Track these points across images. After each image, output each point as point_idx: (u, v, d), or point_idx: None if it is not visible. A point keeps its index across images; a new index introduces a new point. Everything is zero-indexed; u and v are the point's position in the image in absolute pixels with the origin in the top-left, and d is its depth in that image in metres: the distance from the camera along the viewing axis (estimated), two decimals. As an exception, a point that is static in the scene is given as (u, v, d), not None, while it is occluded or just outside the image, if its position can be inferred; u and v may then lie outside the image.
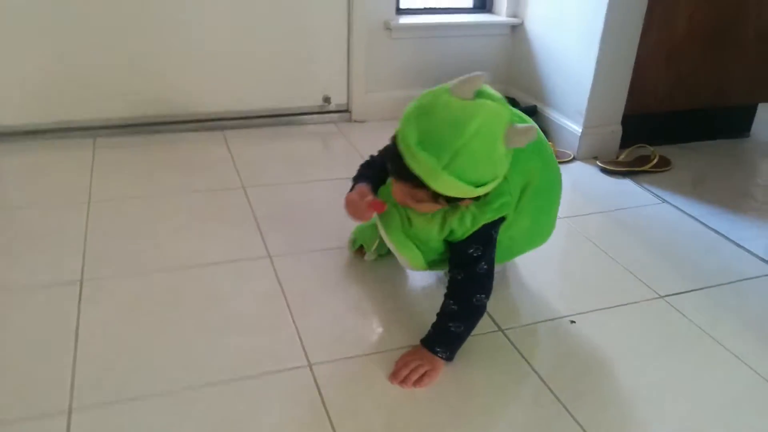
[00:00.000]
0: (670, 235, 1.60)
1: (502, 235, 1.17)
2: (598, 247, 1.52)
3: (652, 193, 1.81)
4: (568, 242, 1.55)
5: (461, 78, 0.99)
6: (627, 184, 1.86)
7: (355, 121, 2.22)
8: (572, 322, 1.24)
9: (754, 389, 1.10)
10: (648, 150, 2.03)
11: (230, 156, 1.90)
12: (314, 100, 2.18)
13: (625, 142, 2.06)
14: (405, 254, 1.20)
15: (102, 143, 1.92)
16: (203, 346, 1.13)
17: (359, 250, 1.41)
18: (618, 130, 2.04)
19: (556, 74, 2.09)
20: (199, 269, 1.34)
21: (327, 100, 2.18)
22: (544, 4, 2.14)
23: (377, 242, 1.36)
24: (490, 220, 1.12)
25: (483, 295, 1.12)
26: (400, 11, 2.19)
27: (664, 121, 2.14)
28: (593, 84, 1.93)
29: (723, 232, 1.60)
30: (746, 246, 1.54)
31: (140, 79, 1.96)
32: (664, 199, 1.77)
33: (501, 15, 2.28)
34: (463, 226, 1.11)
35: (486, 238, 1.13)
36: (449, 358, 1.11)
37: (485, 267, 1.13)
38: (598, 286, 1.37)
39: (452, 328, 1.11)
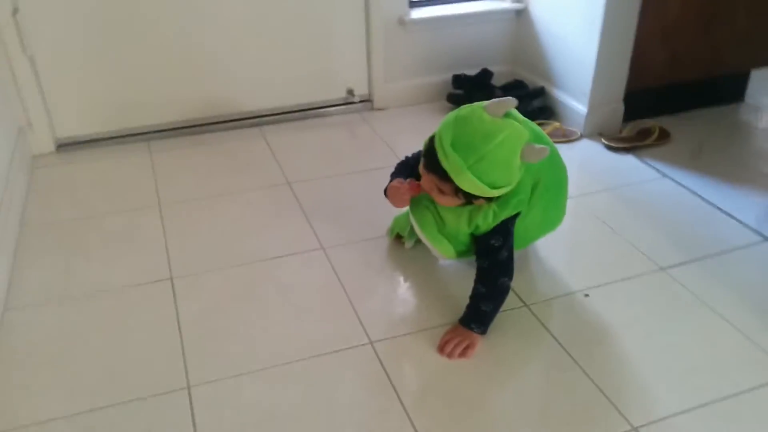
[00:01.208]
0: (670, 208, 1.81)
1: (518, 227, 1.40)
2: (605, 223, 1.73)
3: (653, 167, 2.01)
4: (578, 221, 1.76)
5: (495, 100, 1.23)
6: (630, 160, 2.06)
7: (377, 109, 2.41)
8: (586, 295, 1.47)
9: (741, 350, 1.32)
10: (649, 123, 2.22)
11: (271, 152, 2.11)
12: (339, 93, 2.37)
13: (628, 117, 2.25)
14: (438, 247, 1.43)
15: (156, 147, 2.13)
16: (283, 330, 1.37)
17: (397, 238, 1.64)
18: (620, 107, 2.23)
19: (561, 56, 2.27)
20: (267, 263, 1.58)
21: (350, 92, 2.37)
22: (548, -10, 2.29)
23: (409, 230, 1.58)
24: (508, 216, 1.35)
25: (506, 278, 1.36)
26: (413, 4, 2.35)
27: (663, 94, 2.32)
28: (596, 65, 2.11)
29: (717, 204, 1.81)
30: (738, 217, 1.75)
31: (185, 84, 2.16)
32: (664, 174, 1.98)
33: (506, 1, 2.44)
34: (486, 221, 1.34)
35: (505, 230, 1.36)
36: (483, 332, 1.34)
37: (506, 254, 1.36)
38: (607, 261, 1.59)
39: (483, 308, 1.34)
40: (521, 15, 2.44)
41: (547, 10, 2.31)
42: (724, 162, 2.05)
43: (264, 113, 2.30)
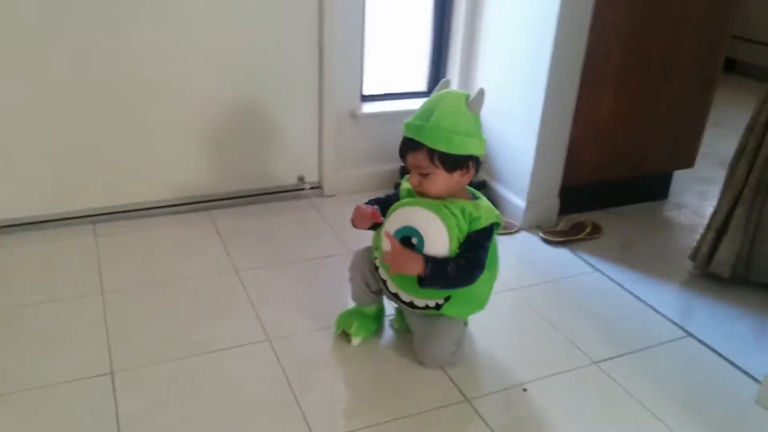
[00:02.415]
0: (601, 302, 1.92)
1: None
2: (542, 317, 1.82)
3: (587, 261, 2.13)
4: (517, 313, 1.85)
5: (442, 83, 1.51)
6: (565, 254, 2.18)
7: (327, 195, 2.48)
8: (524, 390, 1.53)
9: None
10: (582, 218, 2.36)
11: (219, 237, 2.13)
12: (290, 179, 2.43)
13: (563, 211, 2.39)
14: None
15: (102, 230, 2.12)
16: (227, 428, 1.36)
17: (343, 334, 1.66)
18: (556, 202, 2.37)
19: (503, 155, 2.41)
20: (211, 356, 1.57)
21: (301, 179, 2.44)
22: (489, 90, 2.42)
23: (355, 326, 1.63)
24: (487, 221, 1.46)
25: (479, 272, 1.45)
26: (364, 98, 2.48)
27: (595, 190, 2.48)
28: (534, 164, 2.26)
29: (644, 299, 1.93)
30: (663, 311, 1.87)
31: (132, 165, 2.18)
32: (596, 267, 2.10)
33: (453, 99, 2.59)
34: (478, 211, 1.45)
35: (489, 233, 1.47)
36: (425, 275, 1.41)
37: (484, 257, 1.46)
38: (543, 355, 1.67)
39: (449, 267, 1.42)
40: (464, 112, 2.59)
41: (490, 111, 2.43)
42: (649, 257, 2.19)
43: (213, 197, 2.33)
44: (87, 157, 2.11)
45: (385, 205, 1.57)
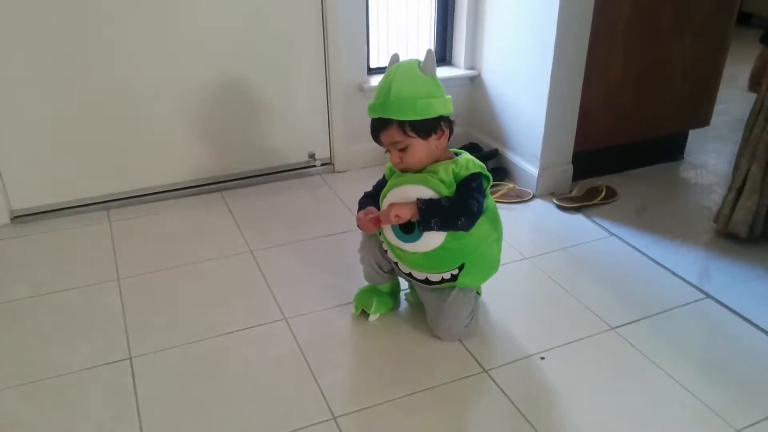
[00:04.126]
0: (618, 267, 1.90)
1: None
2: (558, 284, 1.80)
3: (601, 226, 2.11)
4: (533, 282, 1.84)
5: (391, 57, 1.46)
6: (579, 220, 2.16)
7: (338, 171, 2.47)
8: (542, 358, 1.52)
9: (688, 408, 1.39)
10: (596, 183, 2.33)
11: (233, 218, 2.14)
12: (301, 157, 2.42)
13: (577, 176, 2.36)
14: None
15: (116, 215, 2.14)
16: (244, 409, 1.37)
17: (362, 314, 1.66)
18: (569, 168, 2.34)
19: (513, 121, 2.38)
20: (228, 337, 1.58)
21: (312, 156, 2.43)
22: (497, 58, 2.41)
23: (375, 304, 1.63)
24: (472, 169, 1.44)
25: (475, 205, 1.40)
26: (371, 71, 2.45)
27: (609, 154, 2.45)
28: (545, 130, 2.22)
29: (661, 262, 1.90)
30: (681, 274, 1.84)
31: (144, 150, 2.18)
32: (611, 232, 2.07)
33: (460, 68, 2.55)
34: (458, 166, 1.43)
35: (475, 178, 1.44)
36: (420, 207, 1.39)
37: (477, 195, 1.42)
38: (560, 323, 1.65)
39: (442, 200, 1.40)
40: (474, 81, 2.55)
41: (498, 76, 2.43)
42: (666, 219, 2.16)
43: (225, 178, 2.33)
44: (97, 145, 2.12)
45: (377, 194, 1.56)
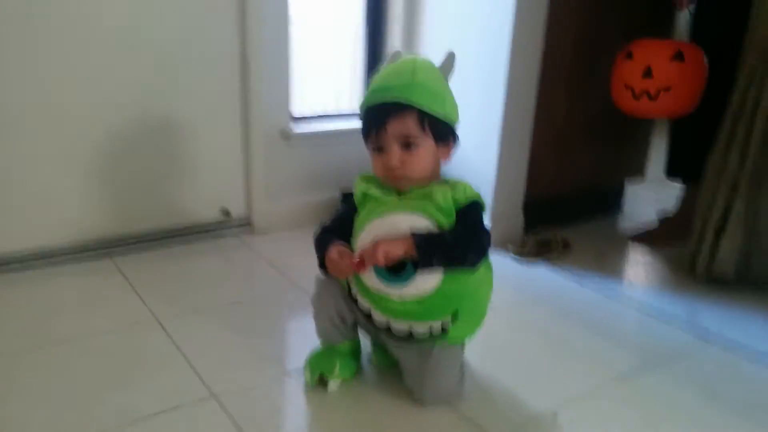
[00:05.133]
0: (599, 316, 1.65)
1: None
2: (542, 336, 1.54)
3: (568, 275, 1.89)
4: (515, 334, 1.55)
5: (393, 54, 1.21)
6: (543, 271, 1.93)
7: (258, 233, 2.09)
8: (554, 414, 1.21)
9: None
10: (547, 234, 2.13)
11: (129, 285, 1.68)
12: (211, 214, 2.03)
13: (528, 226, 2.15)
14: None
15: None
16: None
17: (320, 380, 1.26)
18: (520, 218, 2.14)
19: (464, 173, 2.14)
20: (140, 424, 1.12)
21: (226, 212, 2.04)
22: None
23: (338, 367, 1.25)
24: (471, 196, 1.15)
25: (480, 243, 1.14)
26: (296, 120, 2.16)
27: (557, 203, 2.28)
28: (496, 181, 2.03)
29: (645, 309, 1.70)
30: (668, 320, 1.63)
31: (11, 206, 1.71)
32: (582, 283, 1.85)
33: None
34: (456, 192, 1.14)
35: (478, 207, 1.16)
36: (418, 243, 1.09)
37: (481, 228, 1.16)
38: (558, 375, 1.36)
39: (444, 234, 1.11)
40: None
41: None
42: (632, 266, 2.00)
43: (117, 240, 1.88)
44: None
45: (343, 230, 1.22)
